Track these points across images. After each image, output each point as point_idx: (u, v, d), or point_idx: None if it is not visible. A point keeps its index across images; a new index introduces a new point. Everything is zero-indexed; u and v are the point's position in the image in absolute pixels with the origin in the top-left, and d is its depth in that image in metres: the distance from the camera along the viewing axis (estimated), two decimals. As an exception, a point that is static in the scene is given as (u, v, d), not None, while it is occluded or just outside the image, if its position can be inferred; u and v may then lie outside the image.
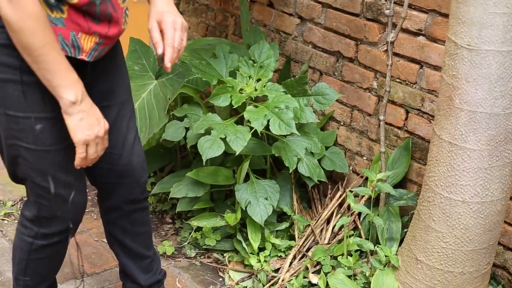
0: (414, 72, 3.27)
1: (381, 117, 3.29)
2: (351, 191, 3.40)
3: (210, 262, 3.56)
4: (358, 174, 3.69)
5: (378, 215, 3.32)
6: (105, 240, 2.92)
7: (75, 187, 2.41)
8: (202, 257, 3.60)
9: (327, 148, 3.67)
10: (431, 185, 2.74)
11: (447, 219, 2.71)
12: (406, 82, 3.33)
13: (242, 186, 3.39)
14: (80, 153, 2.18)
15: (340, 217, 3.52)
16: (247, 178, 3.47)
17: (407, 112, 3.37)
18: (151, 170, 3.96)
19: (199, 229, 3.61)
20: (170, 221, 3.86)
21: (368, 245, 3.18)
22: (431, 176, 2.74)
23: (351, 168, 3.72)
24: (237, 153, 3.17)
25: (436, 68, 3.16)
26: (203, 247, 3.59)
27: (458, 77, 2.53)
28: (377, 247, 3.14)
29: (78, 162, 2.20)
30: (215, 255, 3.58)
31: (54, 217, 2.42)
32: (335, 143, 3.76)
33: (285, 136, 3.44)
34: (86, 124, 2.14)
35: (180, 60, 3.58)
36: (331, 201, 3.68)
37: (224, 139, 3.20)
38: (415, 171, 3.40)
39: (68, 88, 2.09)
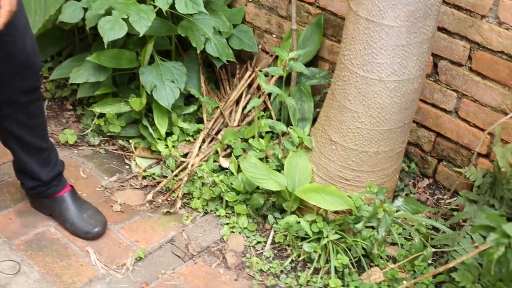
0: None
1: (292, -7, 3.14)
2: (261, 71, 3.28)
3: (115, 150, 3.41)
4: (267, 53, 3.56)
5: (289, 95, 3.23)
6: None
7: None
8: (107, 144, 3.44)
9: (235, 26, 3.50)
10: (346, 64, 2.64)
11: (363, 99, 2.63)
12: (318, -45, 3.18)
13: (147, 69, 3.22)
14: (7, 5, 2.11)
15: (250, 98, 3.42)
16: (151, 61, 3.28)
17: (318, -13, 3.24)
18: (48, 55, 3.71)
19: (102, 115, 3.43)
20: (71, 108, 3.66)
21: (280, 127, 3.09)
22: (346, 54, 2.64)
23: (260, 46, 3.59)
24: (141, 34, 2.97)
25: None
26: (107, 134, 3.43)
27: (376, -51, 2.40)
28: (289, 128, 3.06)
29: (6, 17, 2.13)
30: (120, 142, 3.43)
31: None
32: (243, 20, 3.59)
33: (191, 15, 3.25)
34: None
35: None
36: (240, 81, 3.56)
37: (126, 20, 2.98)
38: (327, 49, 3.30)
39: None
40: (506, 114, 2.81)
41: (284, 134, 3.19)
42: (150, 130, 3.30)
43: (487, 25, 2.74)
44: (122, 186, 3.20)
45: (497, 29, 2.72)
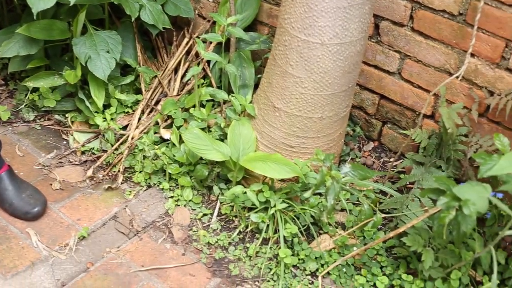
0: None
1: (228, -44, 3.04)
2: (199, 38, 3.19)
3: (52, 125, 3.29)
4: (204, 18, 3.46)
5: (229, 62, 3.15)
6: None
7: None
8: (42, 120, 3.32)
9: (169, -9, 3.40)
10: (287, 28, 2.56)
11: (305, 63, 2.57)
12: None
13: (80, 39, 3.09)
14: None
15: (189, 66, 3.33)
16: (84, 31, 3.16)
17: None
18: (-26, 28, 3.55)
19: (36, 89, 3.30)
20: (3, 83, 3.51)
21: (221, 95, 3.01)
22: (286, 18, 2.56)
23: (196, 12, 3.48)
24: (71, 3, 2.85)
25: None
26: (42, 109, 3.31)
27: None
28: (231, 96, 2.99)
29: None
30: (56, 116, 3.31)
31: None
32: (178, -14, 3.48)
33: (123, -19, 3.13)
34: None
35: None
36: (177, 49, 3.45)
37: (55, -12, 2.86)
38: (266, 12, 3.22)
39: None
40: (450, 73, 2.78)
41: (225, 102, 3.11)
42: (87, 103, 3.18)
43: (428, -16, 2.70)
44: (61, 162, 3.09)
45: (438, -13, 2.68)
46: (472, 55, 2.69)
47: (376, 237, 2.74)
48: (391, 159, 3.09)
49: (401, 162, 3.00)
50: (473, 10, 2.62)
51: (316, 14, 2.45)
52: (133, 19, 3.15)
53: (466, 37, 2.68)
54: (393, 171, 3.04)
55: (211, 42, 3.29)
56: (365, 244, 2.69)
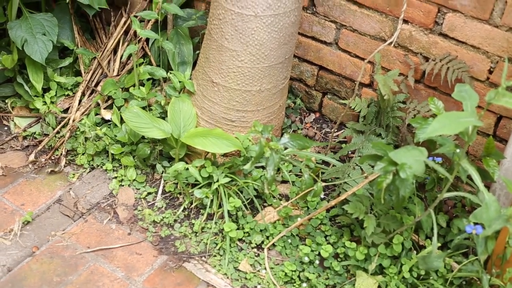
0: None
1: None
2: (136, 16, 3.16)
3: (-9, 111, 3.26)
4: (141, -3, 3.43)
5: (167, 39, 3.13)
6: None
7: None
8: (-19, 106, 3.29)
9: (103, -29, 3.35)
10: (220, 1, 2.56)
11: (240, 36, 2.56)
12: None
13: (16, 23, 3.05)
14: None
15: (127, 46, 3.31)
16: (20, 14, 3.11)
17: None
18: None
19: (-28, 76, 3.25)
20: None
21: (160, 72, 3.00)
22: (219, -8, 2.55)
23: (133, -9, 3.45)
24: (2, -13, 2.81)
25: None
26: (-20, 95, 3.27)
27: None
28: (170, 73, 2.97)
29: None
30: (-5, 103, 3.27)
31: None
32: (112, -35, 3.45)
33: (55, -38, 3.09)
34: None
35: None
36: (115, 29, 3.42)
37: (-15, -28, 2.81)
38: (201, -12, 3.21)
39: None
40: (386, 41, 2.80)
41: (165, 80, 3.10)
42: (26, 87, 3.14)
43: (360, -48, 2.71)
44: (2, 148, 3.06)
45: (370, -45, 2.69)
46: (406, 21, 2.71)
47: (319, 206, 2.76)
48: (333, 130, 3.11)
49: (342, 132, 3.02)
50: (404, -23, 2.64)
51: (248, -14, 2.45)
52: (68, 0, 3.11)
53: (399, 4, 2.70)
54: (334, 141, 3.06)
55: (149, 21, 3.27)
56: (308, 215, 2.71)
